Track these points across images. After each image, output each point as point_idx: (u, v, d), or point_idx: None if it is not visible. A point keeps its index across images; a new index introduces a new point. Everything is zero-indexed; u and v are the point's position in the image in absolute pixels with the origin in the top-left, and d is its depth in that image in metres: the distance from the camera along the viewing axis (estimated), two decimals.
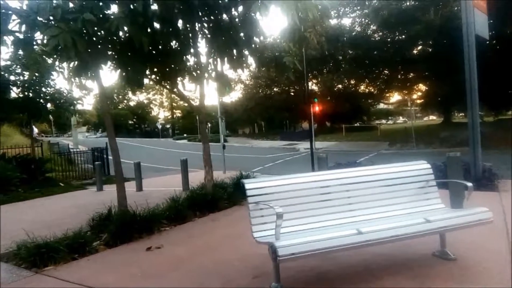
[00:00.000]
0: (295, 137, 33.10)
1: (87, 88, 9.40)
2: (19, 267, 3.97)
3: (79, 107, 14.39)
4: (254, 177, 7.87)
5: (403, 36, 25.86)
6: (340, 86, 37.48)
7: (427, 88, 33.39)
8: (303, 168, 12.56)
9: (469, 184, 3.17)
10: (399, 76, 32.11)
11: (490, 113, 32.90)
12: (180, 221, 5.50)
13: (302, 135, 31.67)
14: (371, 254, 3.41)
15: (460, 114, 47.52)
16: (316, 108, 22.82)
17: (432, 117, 61.94)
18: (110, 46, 5.88)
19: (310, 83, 36.17)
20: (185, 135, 50.35)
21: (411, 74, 30.95)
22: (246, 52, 6.92)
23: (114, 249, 4.48)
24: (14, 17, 4.80)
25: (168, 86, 7.59)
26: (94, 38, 5.33)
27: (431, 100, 33.67)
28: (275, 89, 41.45)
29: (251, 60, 7.22)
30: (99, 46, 5.54)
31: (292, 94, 39.92)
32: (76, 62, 5.84)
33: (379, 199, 3.38)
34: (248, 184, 3.04)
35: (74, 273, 3.70)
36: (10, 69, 12.11)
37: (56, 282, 3.52)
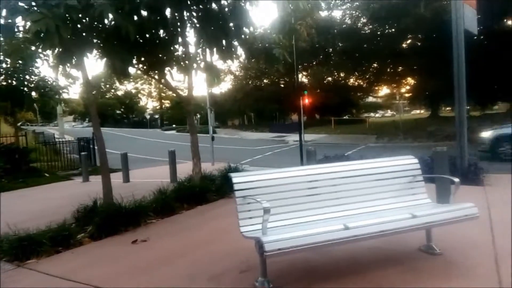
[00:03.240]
0: (284, 129, 33.10)
1: (72, 76, 9.17)
2: (0, 260, 3.88)
3: (65, 96, 14.10)
4: (242, 169, 7.83)
5: (393, 30, 25.96)
6: (330, 78, 37.57)
7: (415, 82, 33.67)
8: (292, 161, 12.58)
9: (456, 179, 3.19)
10: (388, 70, 32.29)
11: (476, 107, 33.37)
12: (167, 214, 5.45)
13: (292, 127, 31.66)
14: (359, 248, 3.42)
15: (448, 108, 48.14)
16: (306, 101, 22.83)
17: (419, 111, 62.64)
18: (95, 34, 5.73)
19: (300, 75, 36.10)
20: (174, 126, 49.89)
21: (400, 67, 31.15)
22: (236, 43, 6.83)
23: (99, 242, 4.41)
24: None
25: (156, 76, 7.46)
26: (79, 26, 5.18)
27: (419, 94, 33.98)
28: (265, 81, 41.34)
29: (240, 51, 7.13)
30: (84, 34, 5.39)
31: (282, 86, 39.86)
32: (60, 50, 5.67)
33: (366, 193, 3.37)
34: (236, 178, 3.00)
35: (57, 266, 3.63)
36: None
37: (38, 276, 3.45)
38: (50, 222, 4.53)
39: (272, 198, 2.95)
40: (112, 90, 66.02)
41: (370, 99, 53.83)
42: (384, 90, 43.06)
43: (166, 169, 9.19)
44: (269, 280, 2.78)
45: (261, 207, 2.66)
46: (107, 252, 4.03)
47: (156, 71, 7.18)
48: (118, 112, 66.67)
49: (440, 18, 18.14)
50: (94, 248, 4.21)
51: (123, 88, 65.65)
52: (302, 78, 38.45)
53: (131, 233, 4.63)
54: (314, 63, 34.94)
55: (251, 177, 3.09)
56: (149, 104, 72.81)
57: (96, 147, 10.72)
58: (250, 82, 41.33)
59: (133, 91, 68.18)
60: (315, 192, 3.28)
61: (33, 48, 7.01)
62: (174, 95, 9.54)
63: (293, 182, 3.23)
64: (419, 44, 27.37)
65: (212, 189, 6.43)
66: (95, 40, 5.79)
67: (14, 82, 12.33)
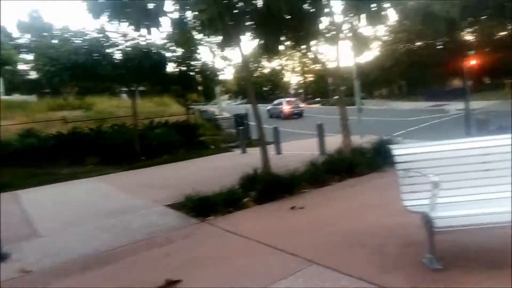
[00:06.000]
0: (443, 97, 29.25)
1: (228, 59, 10.20)
2: (187, 215, 4.74)
3: (221, 77, 15.85)
4: (396, 142, 7.39)
5: None
6: (503, 33, 31.13)
7: None
8: (455, 133, 11.14)
9: None
10: None
11: None
12: (319, 184, 5.65)
13: (453, 94, 27.72)
14: None
15: None
16: (472, 62, 19.55)
17: None
18: (249, 16, 6.18)
19: (463, 33, 31.17)
20: (317, 99, 50.11)
21: None
22: (386, 5, 6.33)
23: (262, 206, 4.92)
24: None
25: (302, 51, 7.61)
26: (236, 11, 5.67)
27: None
28: (418, 43, 37.07)
29: (391, 13, 6.61)
30: (240, 18, 5.88)
31: (440, 47, 35.06)
32: (221, 35, 6.34)
33: None
34: (397, 150, 2.87)
35: (231, 224, 4.23)
36: (165, 47, 13.98)
37: (218, 230, 4.10)
38: (221, 186, 5.25)
39: (438, 172, 2.71)
40: (259, 69, 70.21)
41: None
42: None
43: (314, 142, 9.41)
44: (436, 257, 2.61)
45: (425, 181, 2.49)
46: (271, 215, 4.49)
47: (303, 45, 7.31)
48: (264, 89, 70.77)
49: None
50: (259, 211, 4.73)
51: (269, 65, 68.97)
52: (466, 36, 33.04)
53: (287, 200, 4.99)
54: (482, 17, 29.45)
55: (414, 149, 2.91)
56: (292, 79, 74.76)
57: (249, 122, 11.73)
58: (400, 47, 37.73)
59: (278, 67, 70.95)
60: (489, 167, 2.88)
61: (198, 36, 8.04)
62: (317, 68, 9.56)
63: (463, 156, 2.90)
64: None
65: (363, 163, 6.30)
66: (248, 23, 6.26)
67: (184, 68, 14.46)
